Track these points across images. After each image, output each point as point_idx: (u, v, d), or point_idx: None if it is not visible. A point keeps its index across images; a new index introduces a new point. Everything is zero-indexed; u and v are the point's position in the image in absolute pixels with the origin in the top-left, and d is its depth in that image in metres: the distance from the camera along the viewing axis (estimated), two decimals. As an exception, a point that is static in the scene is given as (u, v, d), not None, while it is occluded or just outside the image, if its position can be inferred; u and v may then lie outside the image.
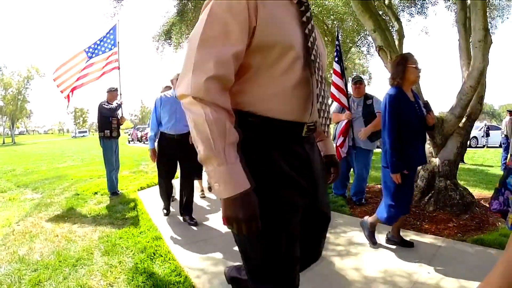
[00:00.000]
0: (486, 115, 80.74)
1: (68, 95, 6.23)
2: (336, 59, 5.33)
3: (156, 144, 4.47)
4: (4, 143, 48.96)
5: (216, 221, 4.40)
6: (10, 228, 4.12)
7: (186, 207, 4.33)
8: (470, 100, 4.46)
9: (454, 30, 5.12)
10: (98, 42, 6.35)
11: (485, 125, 19.04)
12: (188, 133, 4.00)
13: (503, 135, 8.86)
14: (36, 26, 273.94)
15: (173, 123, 4.14)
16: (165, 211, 4.64)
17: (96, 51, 6.30)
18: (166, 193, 4.61)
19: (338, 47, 5.46)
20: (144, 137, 29.93)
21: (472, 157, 12.67)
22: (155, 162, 4.44)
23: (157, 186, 4.88)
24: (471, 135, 17.54)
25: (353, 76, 4.80)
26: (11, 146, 38.81)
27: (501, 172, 8.05)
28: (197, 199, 5.84)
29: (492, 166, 10.14)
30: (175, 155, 4.32)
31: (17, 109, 50.38)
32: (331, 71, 5.78)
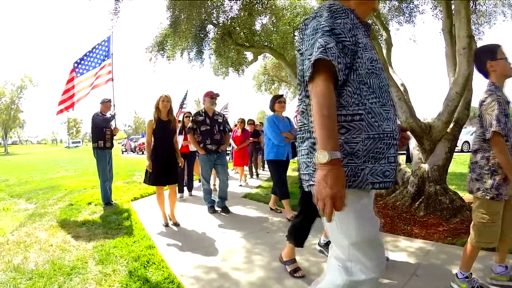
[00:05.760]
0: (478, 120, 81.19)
1: (63, 110, 6.35)
2: None
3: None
4: (-4, 153, 48.54)
5: (208, 229, 4.44)
6: (4, 238, 4.12)
7: None
8: (456, 106, 4.57)
9: (441, 38, 5.23)
10: (89, 54, 6.40)
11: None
12: None
13: None
14: (30, 35, 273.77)
15: None
16: None
17: (88, 63, 6.35)
18: None
19: None
20: (138, 148, 29.68)
21: (463, 162, 12.79)
22: None
23: (152, 197, 4.73)
24: (463, 140, 17.79)
25: None
26: (4, 156, 38.48)
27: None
28: (186, 208, 5.88)
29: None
30: None
31: (10, 119, 50.16)
32: None
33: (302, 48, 1.49)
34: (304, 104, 1.51)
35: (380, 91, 1.46)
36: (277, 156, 4.84)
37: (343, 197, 1.23)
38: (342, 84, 1.39)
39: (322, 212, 1.24)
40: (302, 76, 1.47)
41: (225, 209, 5.31)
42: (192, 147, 6.29)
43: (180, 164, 4.76)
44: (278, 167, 4.93)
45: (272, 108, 5.00)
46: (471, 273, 2.51)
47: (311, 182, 1.43)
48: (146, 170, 4.55)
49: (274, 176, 5.03)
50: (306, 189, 1.51)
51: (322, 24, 1.38)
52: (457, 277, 2.54)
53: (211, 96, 5.31)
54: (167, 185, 4.66)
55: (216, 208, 5.42)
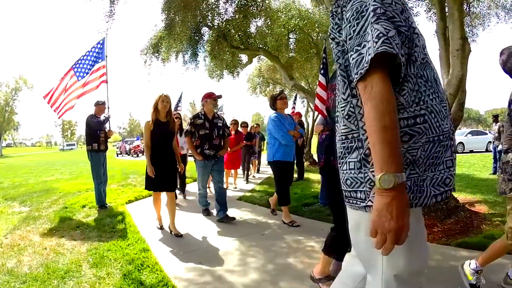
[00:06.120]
0: (472, 121, 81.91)
1: (62, 113, 6.34)
2: (322, 71, 5.44)
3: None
4: (-9, 155, 48.07)
5: (202, 232, 4.43)
6: (-2, 241, 4.09)
7: None
8: (450, 108, 4.59)
9: (435, 40, 5.27)
10: (85, 57, 6.38)
11: None
12: None
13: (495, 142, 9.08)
14: (25, 37, 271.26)
15: None
16: None
17: (84, 66, 6.33)
18: None
19: (324, 60, 5.57)
20: (133, 150, 29.53)
21: (458, 163, 12.86)
22: None
23: (146, 199, 4.64)
24: (458, 141, 17.90)
25: None
26: (-2, 159, 38.20)
27: (488, 177, 8.20)
28: (181, 210, 5.86)
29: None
30: None
31: (5, 121, 49.65)
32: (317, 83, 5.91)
33: (338, 37, 1.22)
34: (351, 105, 1.20)
35: (436, 83, 1.17)
36: (284, 157, 4.64)
37: (408, 230, 0.99)
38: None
39: (379, 246, 1.01)
40: (344, 70, 1.21)
41: (228, 218, 4.87)
42: (185, 150, 6.20)
43: (180, 170, 4.57)
44: (284, 169, 4.73)
45: (273, 106, 4.76)
46: (482, 270, 2.48)
47: (370, 203, 1.13)
48: (147, 176, 4.32)
49: (278, 178, 4.79)
50: (358, 209, 1.20)
51: (372, 5, 1.06)
52: (469, 265, 2.49)
53: (214, 98, 5.01)
54: (164, 192, 4.41)
55: (216, 216, 5.09)
